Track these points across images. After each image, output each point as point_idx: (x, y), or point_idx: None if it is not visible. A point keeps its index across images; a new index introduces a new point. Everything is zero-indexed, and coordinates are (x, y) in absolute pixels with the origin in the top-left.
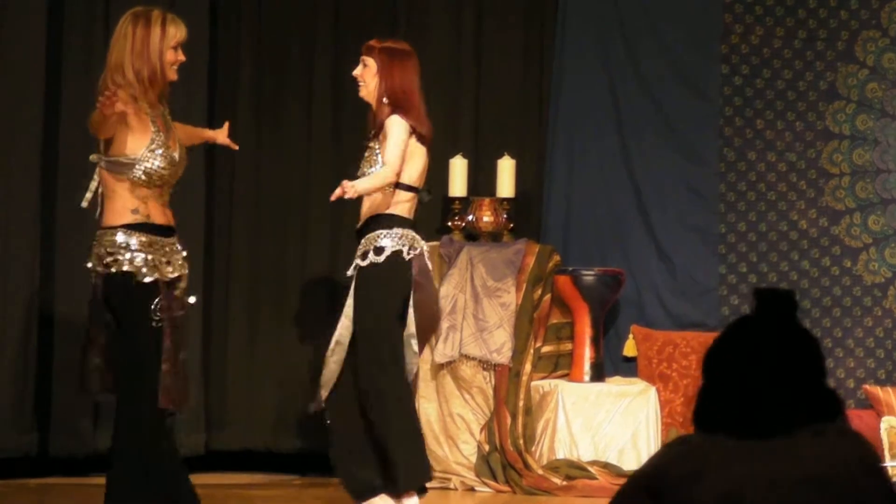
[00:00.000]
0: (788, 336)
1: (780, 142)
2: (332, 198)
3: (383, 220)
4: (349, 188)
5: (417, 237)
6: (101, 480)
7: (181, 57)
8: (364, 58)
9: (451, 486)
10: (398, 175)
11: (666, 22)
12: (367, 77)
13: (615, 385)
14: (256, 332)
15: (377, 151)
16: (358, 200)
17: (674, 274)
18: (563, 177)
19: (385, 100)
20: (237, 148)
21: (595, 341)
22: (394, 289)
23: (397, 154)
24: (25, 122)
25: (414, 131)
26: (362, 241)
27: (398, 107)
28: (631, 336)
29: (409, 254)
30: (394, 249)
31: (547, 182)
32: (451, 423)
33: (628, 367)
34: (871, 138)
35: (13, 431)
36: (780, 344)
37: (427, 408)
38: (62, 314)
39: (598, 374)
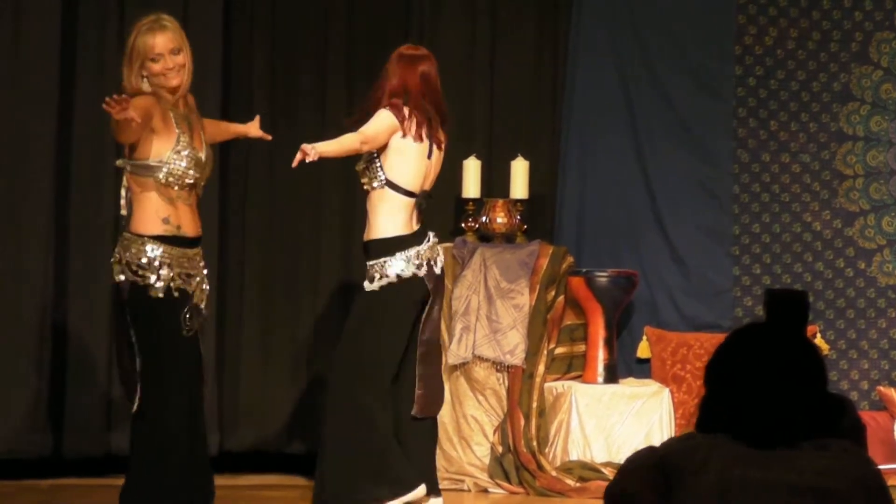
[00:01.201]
0: (791, 346)
1: (793, 143)
2: (294, 163)
3: (386, 246)
4: (310, 150)
5: (422, 249)
6: (114, 481)
7: (170, 63)
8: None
9: (465, 487)
10: (366, 145)
11: (680, 23)
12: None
13: (628, 386)
14: (269, 333)
15: (375, 156)
16: (363, 203)
17: (687, 275)
18: (576, 178)
19: (383, 101)
20: (270, 138)
21: (608, 343)
22: (403, 312)
23: (369, 129)
24: (39, 124)
25: (402, 127)
26: (368, 264)
27: (392, 106)
28: (644, 337)
29: (418, 269)
30: (401, 273)
31: (560, 183)
32: (465, 424)
33: (642, 369)
34: (886, 139)
35: (27, 432)
36: (784, 354)
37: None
38: (76, 315)
39: (612, 376)
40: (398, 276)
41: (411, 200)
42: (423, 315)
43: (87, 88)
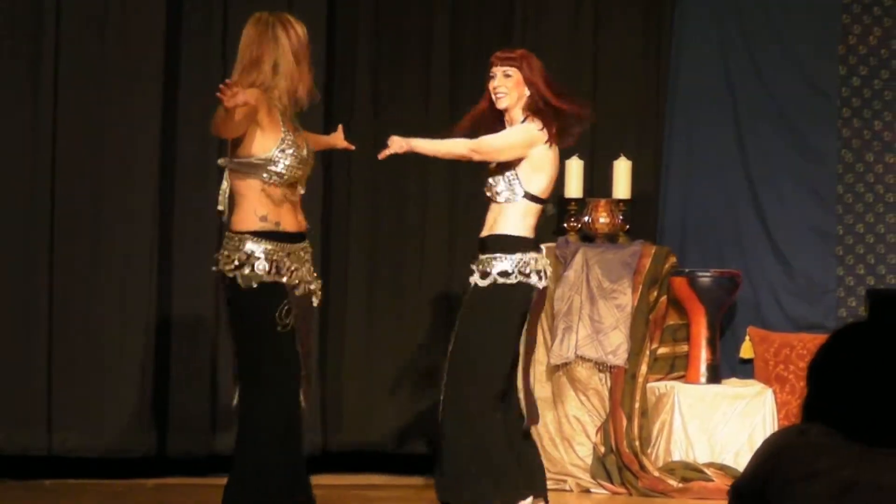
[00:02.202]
0: (894, 344)
1: None
2: (381, 155)
3: (506, 243)
4: (400, 144)
5: (540, 259)
6: (218, 481)
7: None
8: (505, 68)
9: (567, 487)
10: (478, 155)
11: (784, 23)
12: (511, 86)
13: (731, 387)
14: (373, 332)
15: (510, 169)
16: (485, 206)
17: (791, 275)
18: (679, 178)
19: (529, 108)
20: (354, 148)
21: (711, 343)
22: (512, 309)
23: (498, 142)
24: (143, 122)
25: (550, 140)
26: (481, 257)
27: (540, 113)
28: (747, 338)
29: (530, 278)
30: (517, 272)
31: (663, 183)
32: (567, 424)
33: (745, 369)
34: None
35: (132, 431)
36: (887, 353)
37: (543, 409)
38: (180, 315)
39: (715, 376)
40: (502, 273)
41: (541, 207)
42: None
43: (190, 81)
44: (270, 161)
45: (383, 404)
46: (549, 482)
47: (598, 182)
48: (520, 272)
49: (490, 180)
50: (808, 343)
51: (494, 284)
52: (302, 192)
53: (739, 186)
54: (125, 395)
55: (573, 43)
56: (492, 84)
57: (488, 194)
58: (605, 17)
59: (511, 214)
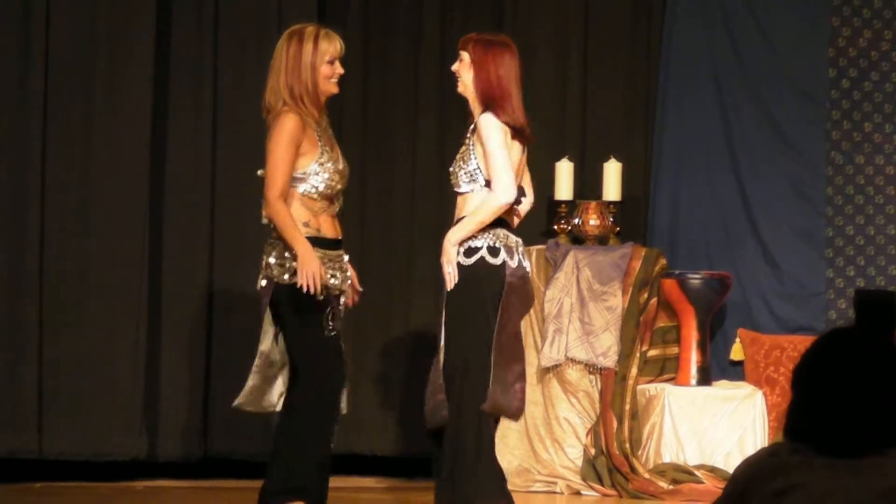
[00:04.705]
0: (879, 350)
1: (887, 145)
2: (445, 275)
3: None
4: (448, 255)
5: (511, 235)
6: (210, 483)
7: (339, 70)
8: (460, 52)
9: (557, 489)
10: (508, 192)
11: (773, 26)
12: (463, 71)
13: (722, 389)
14: (363, 335)
15: (472, 146)
16: (454, 199)
17: (781, 277)
18: (669, 180)
19: (478, 93)
20: None
21: (701, 345)
22: (484, 292)
23: (499, 162)
24: (133, 121)
25: (509, 127)
26: None
27: (491, 100)
28: (737, 340)
29: (501, 255)
30: (485, 248)
31: (653, 185)
32: (557, 426)
33: (735, 371)
34: None
35: (123, 434)
36: (870, 359)
37: (533, 411)
38: (172, 317)
39: (705, 378)
40: (468, 251)
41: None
42: (499, 311)
43: (181, 92)
44: (309, 175)
45: (375, 407)
46: (539, 484)
47: (588, 184)
48: (488, 248)
49: (458, 168)
50: (799, 345)
51: (460, 266)
52: (338, 206)
53: (729, 189)
54: (116, 397)
55: (563, 44)
56: (453, 67)
57: (454, 187)
58: (595, 20)
59: (474, 202)
